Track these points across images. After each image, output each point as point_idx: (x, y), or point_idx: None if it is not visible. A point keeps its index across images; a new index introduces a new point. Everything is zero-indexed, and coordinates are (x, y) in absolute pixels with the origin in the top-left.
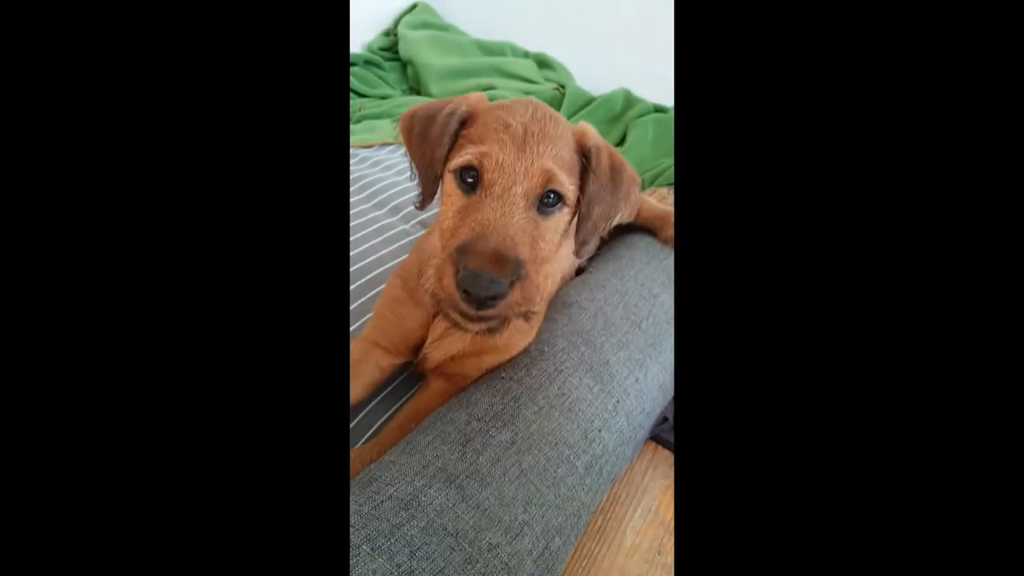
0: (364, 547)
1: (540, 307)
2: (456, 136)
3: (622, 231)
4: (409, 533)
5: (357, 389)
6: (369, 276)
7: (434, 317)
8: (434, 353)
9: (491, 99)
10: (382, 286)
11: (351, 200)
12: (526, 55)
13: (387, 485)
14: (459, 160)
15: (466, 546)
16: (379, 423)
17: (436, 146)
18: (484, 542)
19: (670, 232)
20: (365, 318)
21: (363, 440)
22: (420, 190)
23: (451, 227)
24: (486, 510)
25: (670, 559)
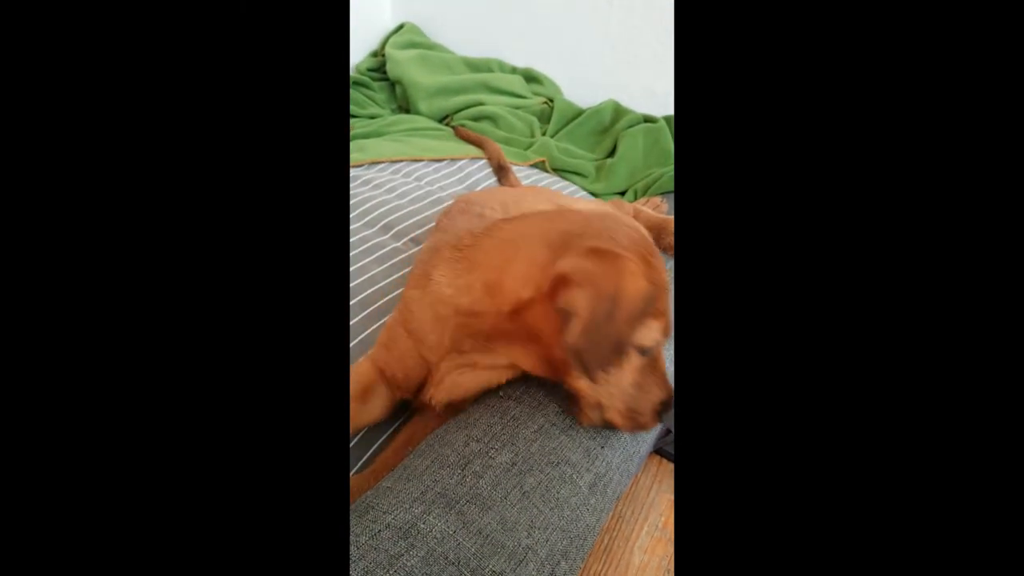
0: None
1: None
2: None
3: None
4: (409, 563)
5: (376, 410)
6: (361, 296)
7: (439, 363)
8: (439, 395)
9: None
10: (374, 306)
11: None
12: (514, 70)
13: (384, 513)
14: (651, 338)
15: (468, 575)
16: (373, 449)
17: (628, 329)
18: (487, 570)
19: (668, 240)
20: (358, 338)
21: (358, 467)
22: (587, 366)
23: (636, 384)
24: (488, 536)
25: None
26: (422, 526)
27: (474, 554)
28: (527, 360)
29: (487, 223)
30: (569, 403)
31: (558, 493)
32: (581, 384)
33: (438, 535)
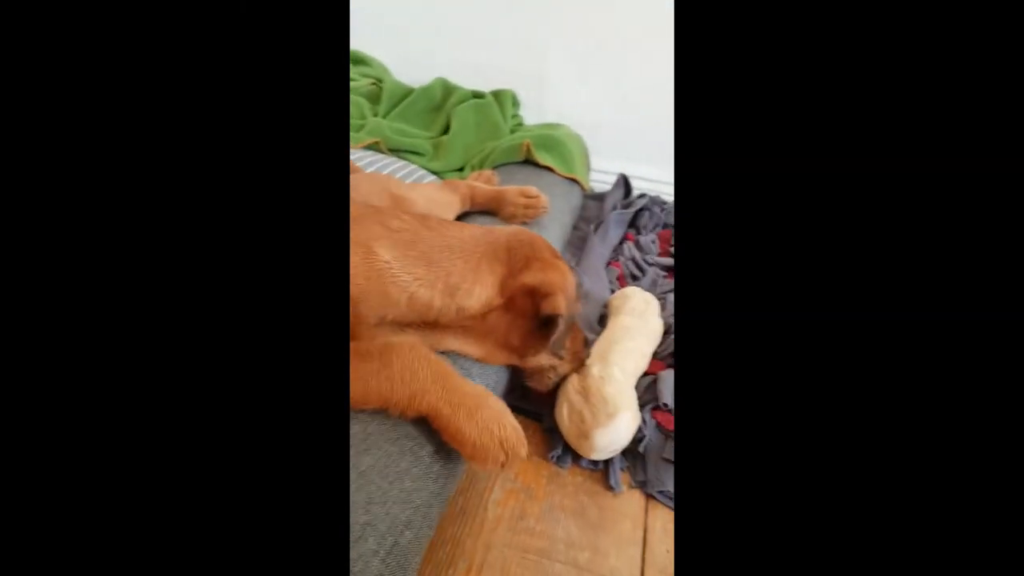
0: None
1: None
2: None
3: (460, 218)
4: None
5: None
6: None
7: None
8: None
9: None
10: None
11: None
12: None
13: None
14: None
15: None
16: None
17: (575, 311)
18: None
19: (508, 210)
20: None
21: None
22: (558, 348)
23: (571, 337)
24: None
25: (532, 522)
26: None
27: None
28: (479, 350)
29: (414, 215)
30: (526, 378)
31: (398, 467)
32: (540, 359)
33: None
